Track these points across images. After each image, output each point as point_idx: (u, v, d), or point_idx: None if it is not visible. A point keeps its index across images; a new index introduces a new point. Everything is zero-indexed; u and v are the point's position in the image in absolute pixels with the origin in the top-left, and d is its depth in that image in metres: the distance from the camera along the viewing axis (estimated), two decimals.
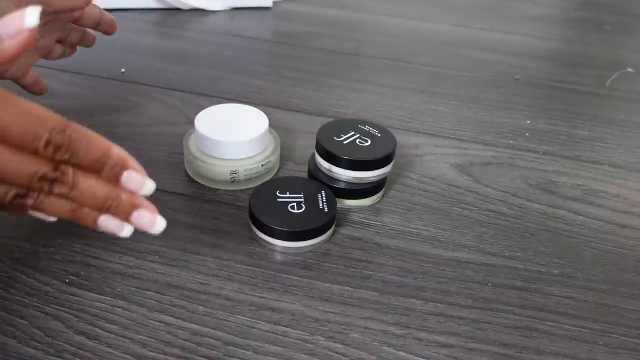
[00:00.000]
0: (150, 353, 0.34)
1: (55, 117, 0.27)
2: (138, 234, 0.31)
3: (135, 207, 0.30)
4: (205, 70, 0.66)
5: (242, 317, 0.37)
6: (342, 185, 0.45)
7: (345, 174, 0.45)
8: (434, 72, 0.70)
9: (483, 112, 0.62)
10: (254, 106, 0.50)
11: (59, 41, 0.47)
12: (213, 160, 0.46)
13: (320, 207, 0.42)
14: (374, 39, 0.78)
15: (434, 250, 0.43)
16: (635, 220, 0.48)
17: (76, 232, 0.41)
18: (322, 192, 0.44)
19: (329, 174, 0.46)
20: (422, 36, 0.80)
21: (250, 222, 0.43)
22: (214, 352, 0.34)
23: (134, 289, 0.38)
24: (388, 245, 0.43)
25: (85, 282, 0.38)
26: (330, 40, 0.76)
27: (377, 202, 0.48)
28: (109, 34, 0.49)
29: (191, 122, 0.48)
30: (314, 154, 0.47)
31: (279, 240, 0.41)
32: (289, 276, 0.40)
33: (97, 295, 0.37)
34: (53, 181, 0.28)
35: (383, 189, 0.48)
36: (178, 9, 0.81)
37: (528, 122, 0.61)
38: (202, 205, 0.46)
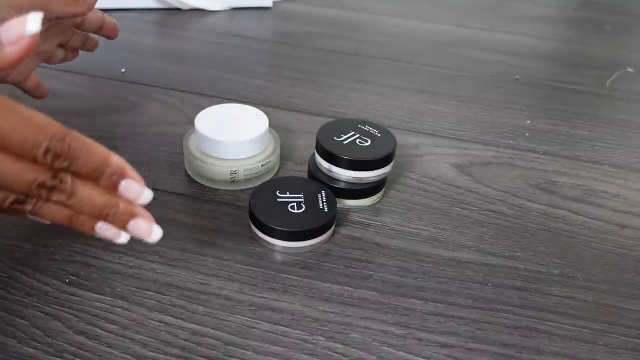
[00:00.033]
0: (150, 353, 0.34)
1: (55, 125, 0.27)
2: None
3: (132, 216, 0.30)
4: (205, 70, 0.66)
5: (242, 317, 0.37)
6: (342, 185, 0.46)
7: (345, 174, 0.45)
8: (434, 72, 0.70)
9: (483, 112, 0.62)
10: (254, 106, 0.50)
11: (61, 45, 0.47)
12: (213, 160, 0.46)
13: (320, 207, 0.42)
14: (374, 39, 0.78)
15: (434, 250, 0.43)
16: (635, 220, 0.48)
17: (76, 232, 0.40)
18: (322, 192, 0.44)
19: (329, 174, 0.46)
20: (422, 36, 0.80)
21: (250, 222, 0.43)
22: (214, 352, 0.34)
23: (134, 289, 0.38)
24: (388, 245, 0.43)
25: (85, 282, 0.38)
26: (330, 40, 0.76)
27: (377, 202, 0.48)
28: (112, 39, 0.49)
29: (191, 122, 0.49)
30: (314, 154, 0.47)
31: (279, 240, 0.41)
32: (289, 276, 0.40)
33: (97, 295, 0.37)
34: (52, 189, 0.28)
35: (383, 189, 0.48)
36: (178, 9, 0.81)
37: (528, 122, 0.61)
38: (202, 205, 0.46)
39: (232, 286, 0.39)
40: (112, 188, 0.29)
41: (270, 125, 0.48)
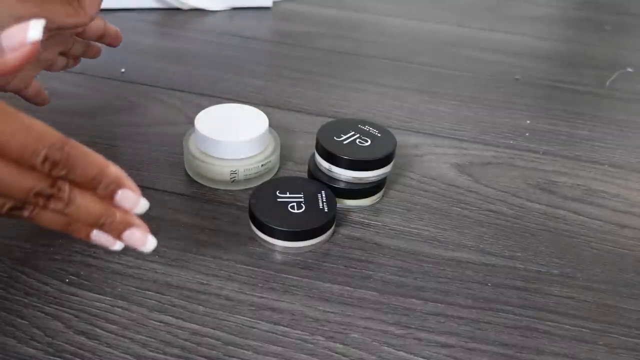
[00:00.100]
0: (150, 353, 0.34)
1: (55, 133, 0.27)
2: None
3: (128, 225, 0.31)
4: (205, 70, 0.66)
5: (242, 317, 0.37)
6: (342, 185, 0.46)
7: (345, 174, 0.45)
8: (434, 72, 0.70)
9: (483, 112, 0.62)
10: (254, 106, 0.50)
11: (62, 53, 0.47)
12: (213, 160, 0.46)
13: (320, 207, 0.42)
14: (374, 39, 0.78)
15: (434, 250, 0.43)
16: (635, 220, 0.48)
17: None
18: (322, 192, 0.44)
19: (329, 174, 0.46)
20: (422, 36, 0.80)
21: (250, 222, 0.43)
22: (214, 352, 0.34)
23: (134, 289, 0.38)
24: (388, 245, 0.43)
25: (85, 282, 0.38)
26: (330, 40, 0.76)
27: (377, 202, 0.48)
28: (114, 46, 0.49)
29: (191, 122, 0.49)
30: (314, 154, 0.47)
31: (279, 240, 0.41)
32: (289, 276, 0.40)
33: (97, 295, 0.37)
34: (49, 197, 0.28)
35: (383, 189, 0.48)
36: (178, 9, 0.81)
37: (528, 122, 0.61)
38: (202, 205, 0.46)
39: (232, 286, 0.39)
40: (109, 197, 0.30)
41: (270, 125, 0.48)
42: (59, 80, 0.60)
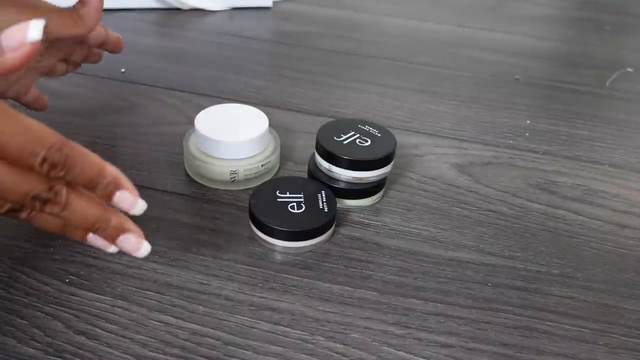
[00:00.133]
0: (150, 353, 0.34)
1: (54, 135, 0.27)
2: None
3: (122, 231, 0.31)
4: (205, 70, 0.66)
5: (242, 317, 0.37)
6: (342, 185, 0.46)
7: (345, 174, 0.45)
8: (434, 72, 0.70)
9: (483, 112, 0.62)
10: (254, 106, 0.50)
11: (63, 60, 0.47)
12: (213, 160, 0.46)
13: (320, 207, 0.42)
14: (374, 39, 0.78)
15: (434, 250, 0.43)
16: (635, 220, 0.48)
17: None
18: (322, 192, 0.44)
19: (329, 174, 0.46)
20: (422, 36, 0.80)
21: (250, 222, 0.43)
22: (214, 352, 0.34)
23: (134, 289, 0.38)
24: (388, 245, 0.43)
25: (85, 282, 0.38)
26: (330, 40, 0.76)
27: (377, 202, 0.48)
28: (116, 53, 0.49)
29: (191, 122, 0.49)
30: (314, 154, 0.47)
31: (279, 240, 0.41)
32: (289, 276, 0.40)
33: (97, 295, 0.37)
34: (46, 201, 0.28)
35: (383, 189, 0.48)
36: (178, 9, 0.81)
37: (528, 122, 0.61)
38: (202, 205, 0.46)
39: (232, 286, 0.39)
40: (107, 198, 0.30)
41: (270, 125, 0.48)
42: (59, 80, 0.59)
